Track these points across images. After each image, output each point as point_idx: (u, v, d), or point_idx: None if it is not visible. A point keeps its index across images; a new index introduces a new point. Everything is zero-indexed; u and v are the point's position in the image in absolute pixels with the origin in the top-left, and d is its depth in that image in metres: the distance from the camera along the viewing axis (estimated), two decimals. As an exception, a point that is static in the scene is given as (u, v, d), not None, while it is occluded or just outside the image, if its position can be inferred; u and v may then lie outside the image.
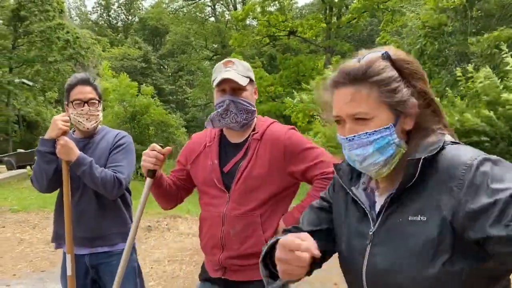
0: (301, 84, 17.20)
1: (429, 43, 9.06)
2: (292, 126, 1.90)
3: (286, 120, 22.32)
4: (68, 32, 28.22)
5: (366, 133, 1.02)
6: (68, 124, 2.20)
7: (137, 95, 17.22)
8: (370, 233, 1.06)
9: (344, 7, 22.20)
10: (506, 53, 7.26)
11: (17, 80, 27.73)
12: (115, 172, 2.24)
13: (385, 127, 1.02)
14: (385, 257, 1.02)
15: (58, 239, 2.34)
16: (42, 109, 31.59)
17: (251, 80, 1.87)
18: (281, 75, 20.42)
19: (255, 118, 1.91)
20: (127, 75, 18.72)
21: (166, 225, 7.45)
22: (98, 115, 2.34)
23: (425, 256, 0.94)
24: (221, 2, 41.56)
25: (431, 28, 8.93)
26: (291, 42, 25.70)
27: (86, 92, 2.29)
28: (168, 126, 18.86)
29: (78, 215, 2.26)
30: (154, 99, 18.61)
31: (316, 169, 1.77)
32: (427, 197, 0.97)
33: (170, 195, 2.03)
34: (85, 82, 2.31)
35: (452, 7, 8.69)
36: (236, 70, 1.82)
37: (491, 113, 6.25)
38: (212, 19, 42.05)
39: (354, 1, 20.74)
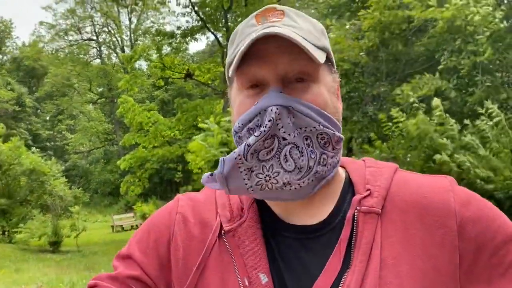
0: (200, 129, 16.26)
1: (343, 82, 8.81)
2: (450, 177, 0.75)
3: (185, 164, 21.09)
4: None
5: None
6: None
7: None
8: None
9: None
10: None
11: None
12: None
13: None
14: None
15: None
16: None
17: (328, 60, 0.73)
18: (178, 118, 19.29)
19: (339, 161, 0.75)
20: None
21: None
22: None
23: None
24: (108, 44, 39.77)
25: (343, 69, 8.71)
26: (187, 86, 24.90)
27: None
28: (41, 175, 16.30)
29: None
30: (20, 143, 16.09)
31: None
32: None
33: None
34: None
35: (365, 47, 8.59)
36: (298, 27, 0.70)
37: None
38: (98, 61, 39.80)
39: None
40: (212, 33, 21.16)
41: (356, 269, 0.65)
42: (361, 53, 9.23)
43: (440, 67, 8.80)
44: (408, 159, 6.52)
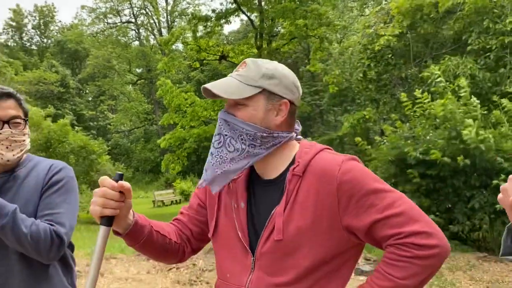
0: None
1: (373, 65, 9.08)
2: (353, 156, 1.25)
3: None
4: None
5: None
6: None
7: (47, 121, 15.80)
8: None
9: (275, 34, 22.43)
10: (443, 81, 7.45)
11: None
12: (51, 224, 1.52)
13: None
14: None
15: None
16: None
17: (266, 91, 1.22)
18: (213, 99, 19.90)
19: (288, 147, 1.30)
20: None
21: (99, 268, 6.39)
22: (24, 141, 1.65)
23: None
24: (146, 26, 40.68)
25: (372, 51, 8.97)
26: (221, 67, 25.38)
27: (7, 107, 1.61)
28: (90, 153, 17.42)
29: None
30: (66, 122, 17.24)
31: (389, 227, 1.12)
32: None
33: (167, 252, 1.36)
34: (5, 94, 1.63)
35: (395, 31, 8.81)
36: (242, 75, 1.23)
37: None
38: (137, 43, 40.84)
39: (284, 27, 20.96)
40: (246, 15, 21.38)
41: (283, 204, 1.19)
42: (393, 36, 9.41)
43: (469, 48, 8.92)
44: (429, 138, 6.80)
